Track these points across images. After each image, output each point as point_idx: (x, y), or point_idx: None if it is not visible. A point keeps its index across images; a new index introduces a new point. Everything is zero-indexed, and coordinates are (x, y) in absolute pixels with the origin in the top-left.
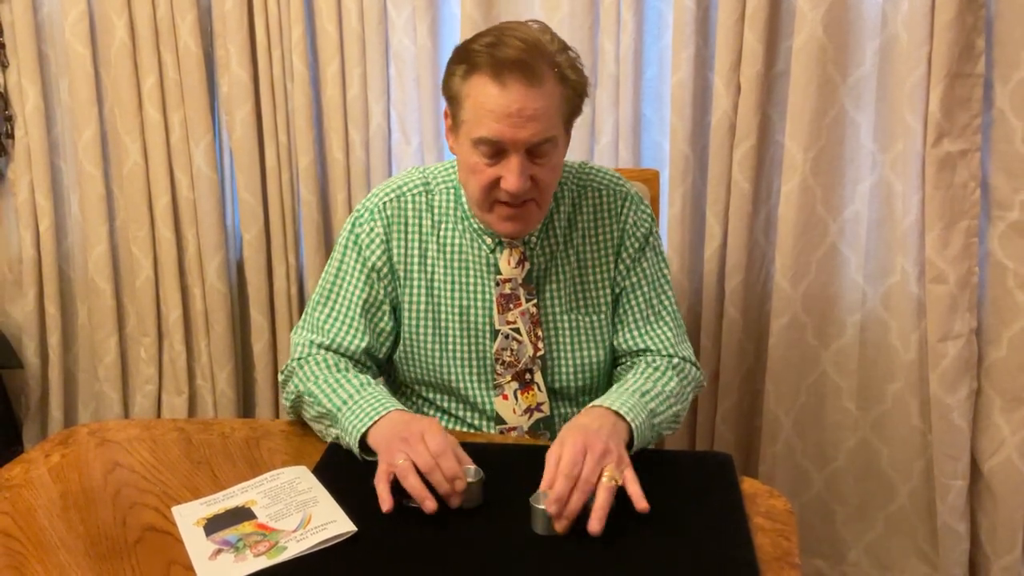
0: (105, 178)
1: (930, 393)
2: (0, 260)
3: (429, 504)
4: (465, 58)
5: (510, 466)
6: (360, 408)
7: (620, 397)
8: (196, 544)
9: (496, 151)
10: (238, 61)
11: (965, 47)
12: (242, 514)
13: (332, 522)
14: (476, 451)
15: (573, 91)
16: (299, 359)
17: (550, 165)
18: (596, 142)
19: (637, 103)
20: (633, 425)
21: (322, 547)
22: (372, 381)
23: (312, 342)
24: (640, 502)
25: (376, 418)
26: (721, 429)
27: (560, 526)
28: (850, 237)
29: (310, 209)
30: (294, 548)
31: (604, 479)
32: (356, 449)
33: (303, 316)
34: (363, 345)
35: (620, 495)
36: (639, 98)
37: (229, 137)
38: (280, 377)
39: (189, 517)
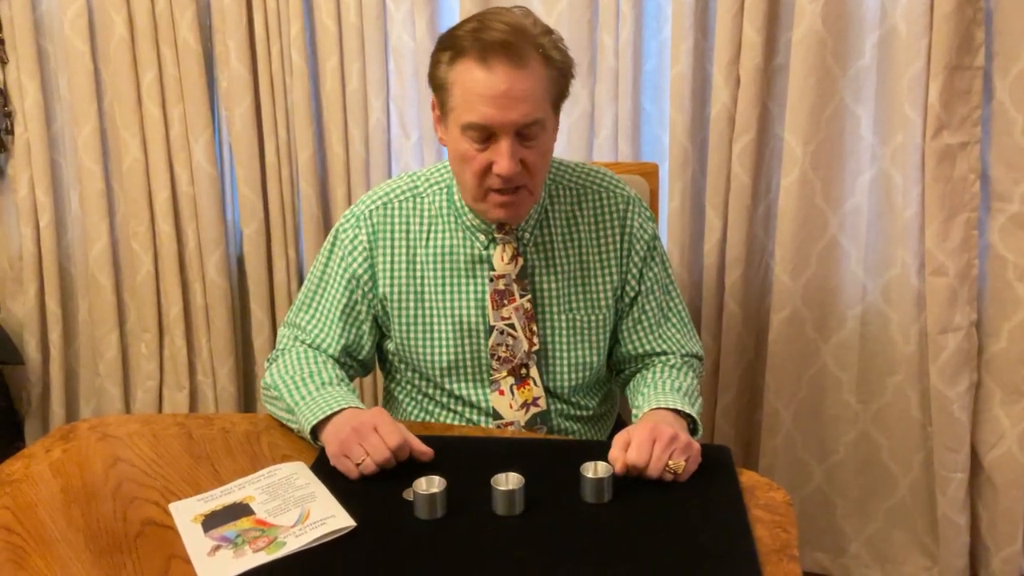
0: (105, 174)
1: (930, 386)
2: (1, 256)
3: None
4: (450, 44)
5: (511, 460)
6: (316, 403)
7: (666, 396)
8: (194, 540)
9: (486, 136)
10: (237, 56)
11: (964, 39)
12: (240, 510)
13: (331, 517)
14: (469, 446)
15: (559, 72)
16: (282, 350)
17: (540, 149)
18: (595, 136)
19: (636, 97)
20: (696, 416)
21: (321, 542)
22: (337, 380)
23: (295, 337)
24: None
25: (329, 413)
26: (721, 423)
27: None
28: (850, 230)
29: (310, 204)
30: (293, 543)
31: (669, 464)
32: (311, 442)
33: (289, 312)
34: (339, 346)
35: (617, 486)
36: (638, 91)
37: (228, 132)
38: (266, 365)
39: (186, 514)
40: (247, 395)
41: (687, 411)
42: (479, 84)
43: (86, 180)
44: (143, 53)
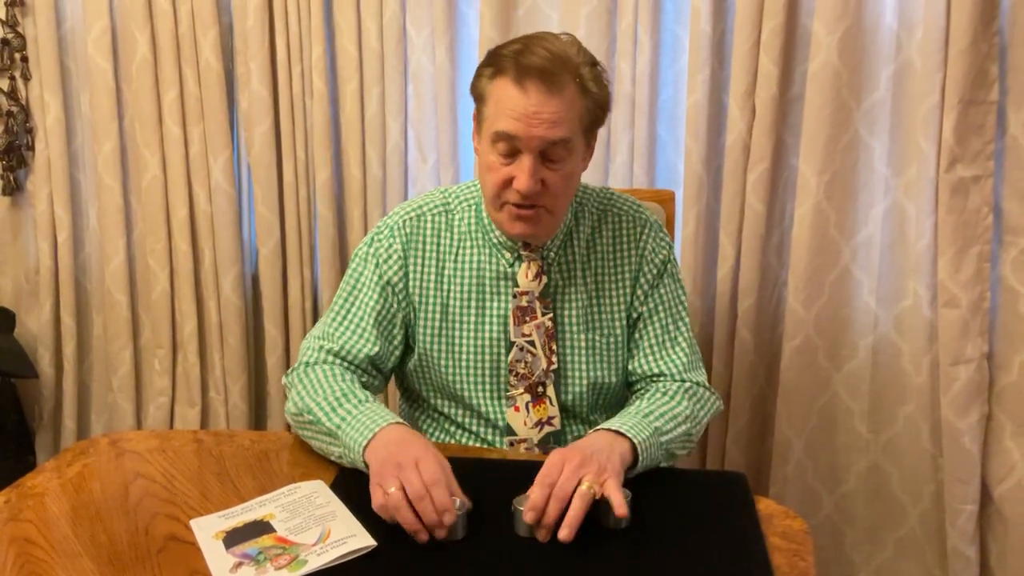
0: (123, 191)
1: (941, 417)
2: (18, 270)
3: (421, 536)
4: (493, 61)
5: (531, 483)
6: (360, 423)
7: (621, 418)
8: (216, 557)
9: (511, 150)
10: (258, 78)
11: (979, 74)
12: (261, 527)
13: (352, 536)
14: (489, 468)
15: (594, 103)
16: (305, 364)
17: (563, 172)
18: (611, 161)
19: (652, 124)
20: (636, 440)
21: (342, 561)
22: (371, 398)
23: (322, 347)
24: (619, 509)
25: (376, 430)
26: (731, 450)
27: (540, 535)
28: (863, 260)
29: (326, 224)
30: (315, 561)
31: (582, 487)
32: (361, 465)
33: (315, 326)
34: (371, 352)
35: (636, 510)
36: (654, 119)
37: (247, 152)
38: (284, 379)
39: (208, 530)
40: (259, 413)
41: (623, 432)
42: (511, 100)
43: (105, 197)
44: (165, 73)
